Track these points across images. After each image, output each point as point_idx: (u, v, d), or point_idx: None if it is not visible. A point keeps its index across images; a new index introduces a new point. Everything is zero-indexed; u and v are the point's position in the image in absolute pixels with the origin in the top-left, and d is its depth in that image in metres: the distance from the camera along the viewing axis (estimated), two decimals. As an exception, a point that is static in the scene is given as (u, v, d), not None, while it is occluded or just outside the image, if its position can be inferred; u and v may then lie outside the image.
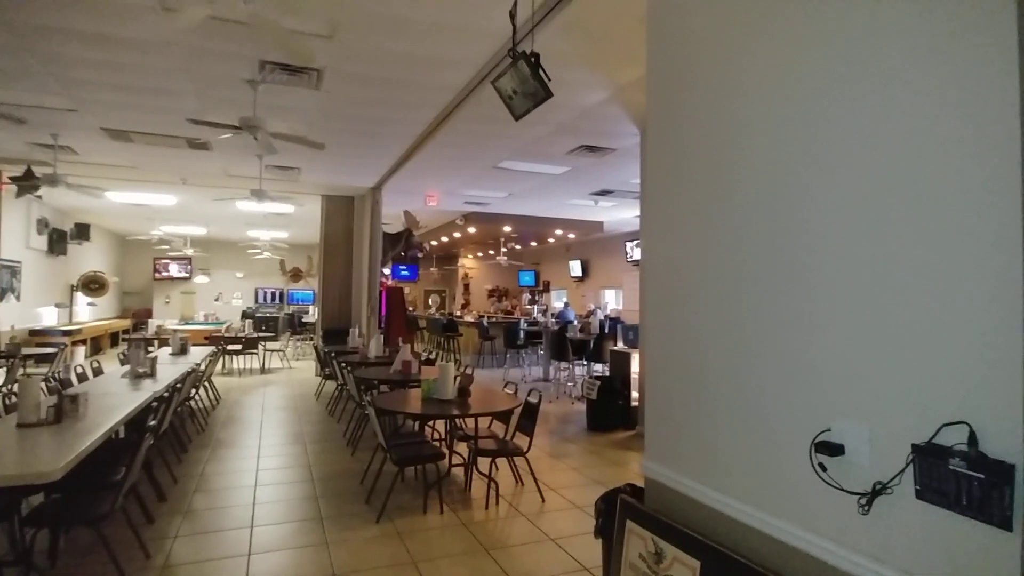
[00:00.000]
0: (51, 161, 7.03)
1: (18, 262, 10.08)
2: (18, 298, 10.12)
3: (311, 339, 13.15)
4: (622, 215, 12.03)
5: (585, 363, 9.07)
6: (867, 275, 1.32)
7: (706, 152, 1.83)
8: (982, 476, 1.08)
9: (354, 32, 4.05)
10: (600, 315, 11.22)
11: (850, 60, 1.37)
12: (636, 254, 13.75)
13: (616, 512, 2.10)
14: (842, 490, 1.35)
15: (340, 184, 9.64)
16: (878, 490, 1.28)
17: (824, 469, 1.40)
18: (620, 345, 7.85)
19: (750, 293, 1.64)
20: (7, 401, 3.85)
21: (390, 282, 13.52)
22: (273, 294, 19.09)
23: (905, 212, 1.25)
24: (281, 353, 11.86)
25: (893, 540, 1.26)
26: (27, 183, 6.63)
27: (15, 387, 5.53)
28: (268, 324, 13.60)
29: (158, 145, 6.97)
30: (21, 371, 6.62)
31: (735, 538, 1.66)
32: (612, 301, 16.01)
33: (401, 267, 18.55)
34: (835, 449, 1.36)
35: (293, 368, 11.11)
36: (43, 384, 3.77)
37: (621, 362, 6.63)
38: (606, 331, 9.09)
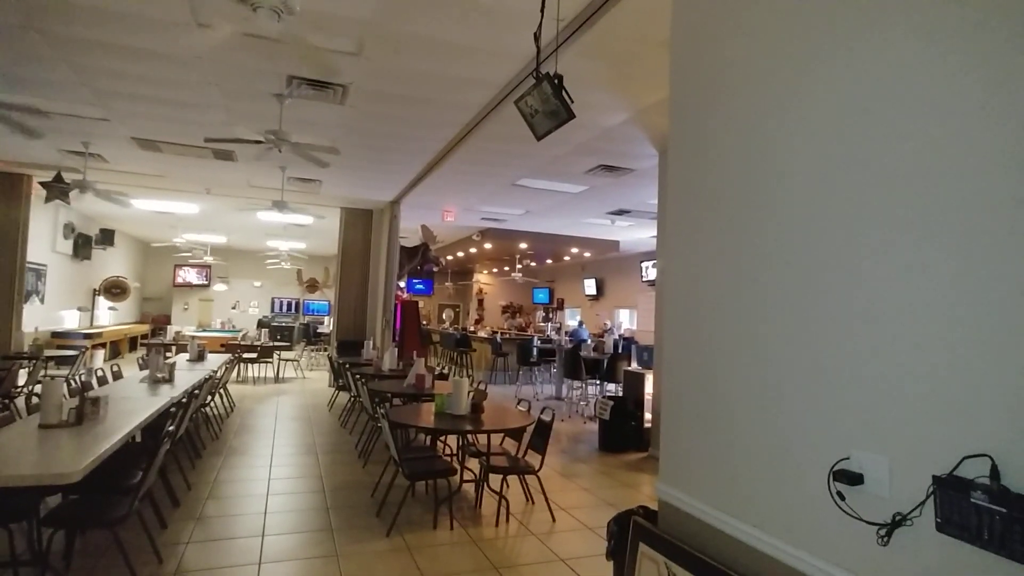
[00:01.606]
0: (81, 168, 7.22)
1: (44, 265, 10.31)
2: (42, 301, 10.34)
3: (325, 350, 13.24)
4: (638, 235, 12.04)
5: (598, 383, 9.02)
6: (891, 305, 1.32)
7: (731, 176, 1.84)
8: (1004, 510, 1.07)
9: (380, 50, 4.14)
10: (616, 334, 11.17)
11: (899, 93, 1.38)
12: (651, 274, 13.72)
13: (628, 534, 2.09)
14: (861, 520, 1.34)
15: (359, 197, 9.78)
16: (898, 521, 1.27)
17: (843, 498, 1.39)
18: (634, 366, 7.82)
19: (772, 318, 1.64)
20: (29, 402, 3.92)
21: (405, 296, 13.60)
22: (289, 304, 19.28)
23: (930, 241, 1.25)
24: (295, 363, 11.95)
25: (912, 573, 1.24)
26: (57, 189, 6.82)
27: (37, 388, 5.62)
28: (283, 334, 13.73)
29: (185, 155, 7.14)
30: (43, 372, 6.74)
31: (750, 565, 1.64)
32: (626, 321, 15.95)
33: (416, 281, 18.68)
34: (854, 478, 1.35)
35: (307, 378, 11.17)
36: (64, 386, 3.84)
37: (635, 383, 6.60)
38: (620, 351, 9.05)
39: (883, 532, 1.29)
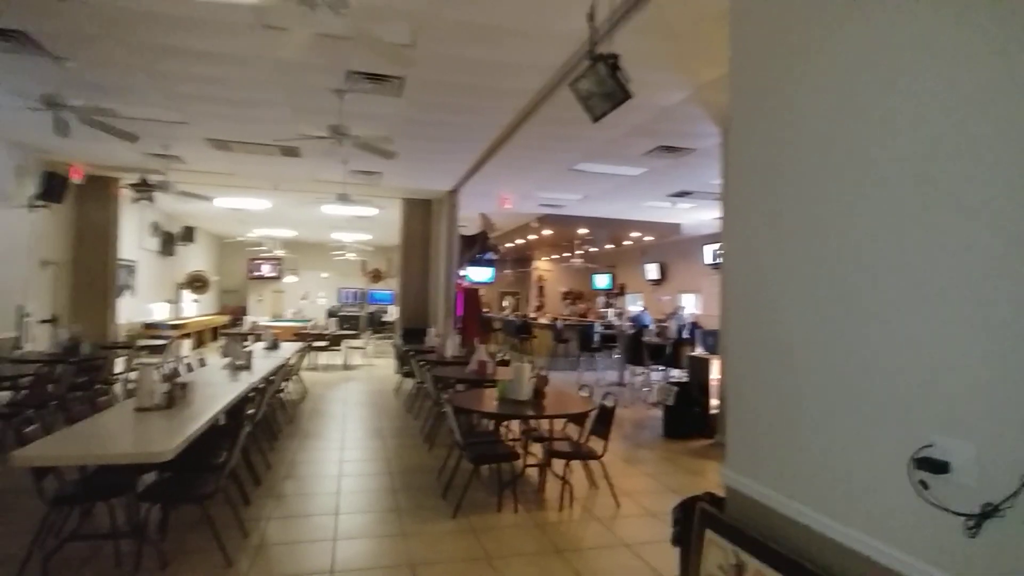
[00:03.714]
0: (163, 169, 7.70)
1: (134, 261, 11.09)
2: (133, 294, 11.13)
3: (390, 337, 13.62)
4: (701, 217, 11.68)
5: (661, 368, 8.87)
6: (976, 290, 1.23)
7: (805, 148, 1.75)
8: (1112, 503, 0.99)
9: (434, 40, 4.18)
10: (684, 319, 10.84)
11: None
12: (715, 257, 13.29)
13: (694, 521, 2.05)
14: (946, 510, 1.27)
15: (419, 188, 9.96)
16: (988, 512, 1.19)
17: (925, 487, 1.31)
18: (699, 351, 7.64)
19: (850, 300, 1.56)
20: (126, 387, 4.26)
21: (466, 283, 13.78)
22: (355, 294, 19.93)
23: None
24: (362, 350, 12.37)
25: (1003, 566, 1.17)
26: (143, 190, 7.32)
27: (132, 374, 6.08)
28: (350, 322, 14.22)
29: (254, 153, 7.48)
30: (137, 360, 7.29)
31: (823, 554, 1.58)
32: (690, 305, 15.56)
33: (477, 268, 18.87)
34: (938, 466, 1.28)
35: (373, 365, 11.55)
36: (156, 372, 4.13)
37: (700, 368, 6.44)
38: (684, 336, 8.85)
39: (971, 523, 1.21)
